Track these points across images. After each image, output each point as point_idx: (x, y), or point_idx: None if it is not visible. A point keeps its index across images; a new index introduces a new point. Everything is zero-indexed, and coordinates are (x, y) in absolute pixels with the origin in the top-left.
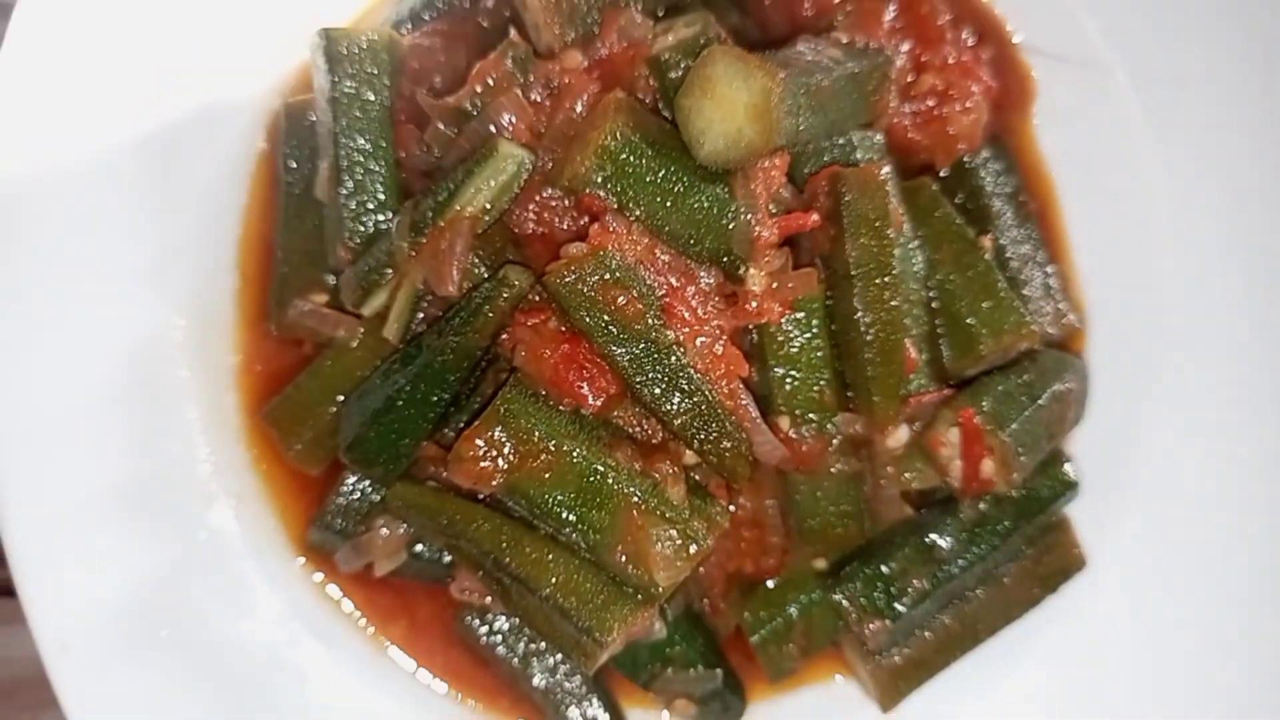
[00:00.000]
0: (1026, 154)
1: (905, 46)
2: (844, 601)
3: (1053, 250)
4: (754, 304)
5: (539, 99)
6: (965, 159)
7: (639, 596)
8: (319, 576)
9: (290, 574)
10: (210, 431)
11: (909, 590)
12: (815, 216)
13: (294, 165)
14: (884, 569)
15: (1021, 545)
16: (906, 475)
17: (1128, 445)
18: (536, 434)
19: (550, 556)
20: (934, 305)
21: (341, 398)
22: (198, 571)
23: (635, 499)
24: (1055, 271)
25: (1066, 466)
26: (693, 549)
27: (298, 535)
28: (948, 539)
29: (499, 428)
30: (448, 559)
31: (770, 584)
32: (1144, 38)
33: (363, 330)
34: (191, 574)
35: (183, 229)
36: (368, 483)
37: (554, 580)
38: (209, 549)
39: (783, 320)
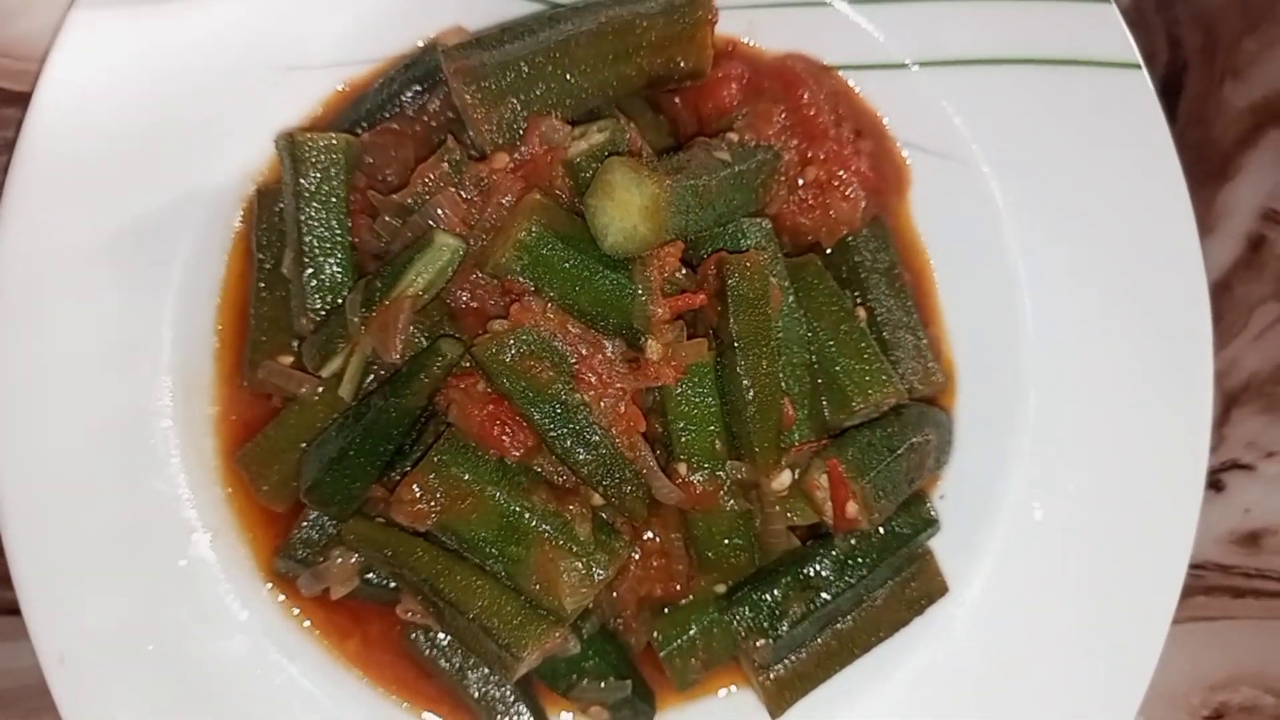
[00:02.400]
0: (903, 232)
1: (794, 143)
2: (735, 623)
3: (925, 315)
4: (653, 369)
5: (471, 196)
6: (847, 238)
7: (551, 618)
8: (284, 599)
9: (259, 597)
10: (191, 472)
11: (790, 613)
12: (702, 296)
13: (265, 244)
14: (768, 595)
15: (889, 574)
16: (789, 513)
17: (988, 485)
18: (465, 479)
19: (477, 584)
20: (816, 366)
21: (304, 445)
22: (179, 594)
23: (547, 535)
24: (925, 335)
25: (927, 506)
26: (596, 577)
27: (266, 563)
28: (823, 569)
29: (433, 474)
30: (394, 584)
31: (677, 606)
32: (1004, 134)
33: (321, 389)
34: (174, 596)
35: (169, 298)
36: (325, 519)
37: (480, 604)
38: (189, 575)
39: (678, 383)
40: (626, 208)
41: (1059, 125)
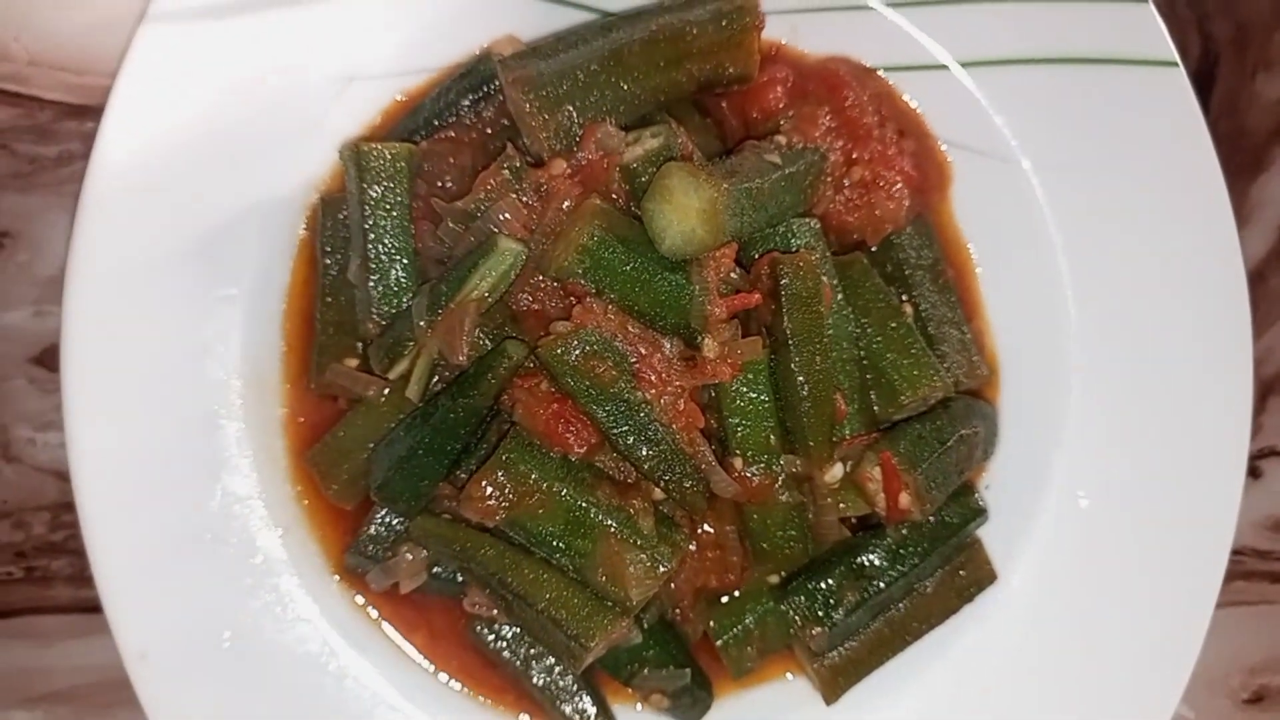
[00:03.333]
0: (946, 229)
1: (838, 144)
2: (790, 611)
3: (968, 310)
4: (710, 367)
5: (531, 201)
6: (892, 236)
7: (617, 609)
8: (354, 593)
9: (329, 592)
10: (263, 472)
11: (844, 602)
12: (758, 296)
13: (329, 250)
14: (823, 584)
15: (939, 563)
16: (842, 505)
17: (1033, 474)
18: (532, 477)
19: (544, 577)
20: (864, 362)
21: (371, 445)
22: (253, 589)
23: (612, 529)
24: (969, 329)
25: (975, 496)
26: (660, 569)
27: (336, 559)
28: (875, 558)
29: (501, 472)
30: (460, 578)
31: (732, 597)
32: (1045, 131)
33: (388, 390)
34: (248, 591)
35: (238, 305)
36: (394, 516)
37: (548, 596)
38: (262, 571)
39: (734, 380)
40: (684, 211)
41: (1097, 122)
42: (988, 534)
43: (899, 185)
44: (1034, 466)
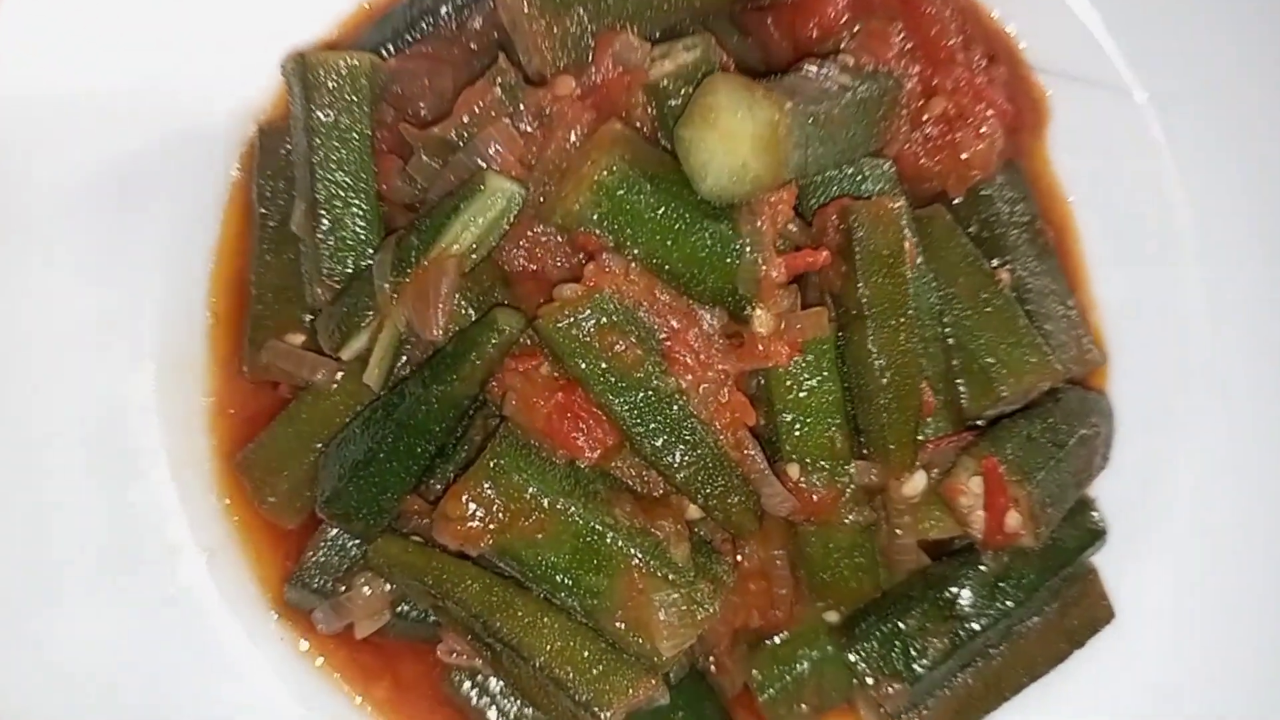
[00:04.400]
0: (1042, 179)
1: (914, 69)
2: (859, 661)
3: (1071, 281)
4: (761, 346)
5: (530, 129)
6: (980, 186)
7: (641, 666)
8: (298, 636)
9: (267, 633)
10: (180, 479)
11: (928, 649)
12: (825, 253)
13: (269, 195)
14: (901, 626)
15: (1047, 598)
16: (925, 525)
17: (1153, 486)
18: (528, 490)
19: (544, 621)
20: (950, 343)
21: (320, 446)
22: (167, 632)
23: (635, 560)
24: (1075, 304)
25: (1094, 514)
26: (699, 614)
27: (275, 592)
28: (969, 593)
29: (487, 483)
30: (434, 619)
31: (779, 639)
32: (1165, 54)
33: (342, 374)
34: (161, 634)
35: (150, 264)
36: (348, 538)
37: (548, 648)
38: (180, 606)
39: (791, 363)
40: (734, 139)
41: (1230, 46)
42: (1099, 560)
43: (989, 121)
44: (1153, 474)
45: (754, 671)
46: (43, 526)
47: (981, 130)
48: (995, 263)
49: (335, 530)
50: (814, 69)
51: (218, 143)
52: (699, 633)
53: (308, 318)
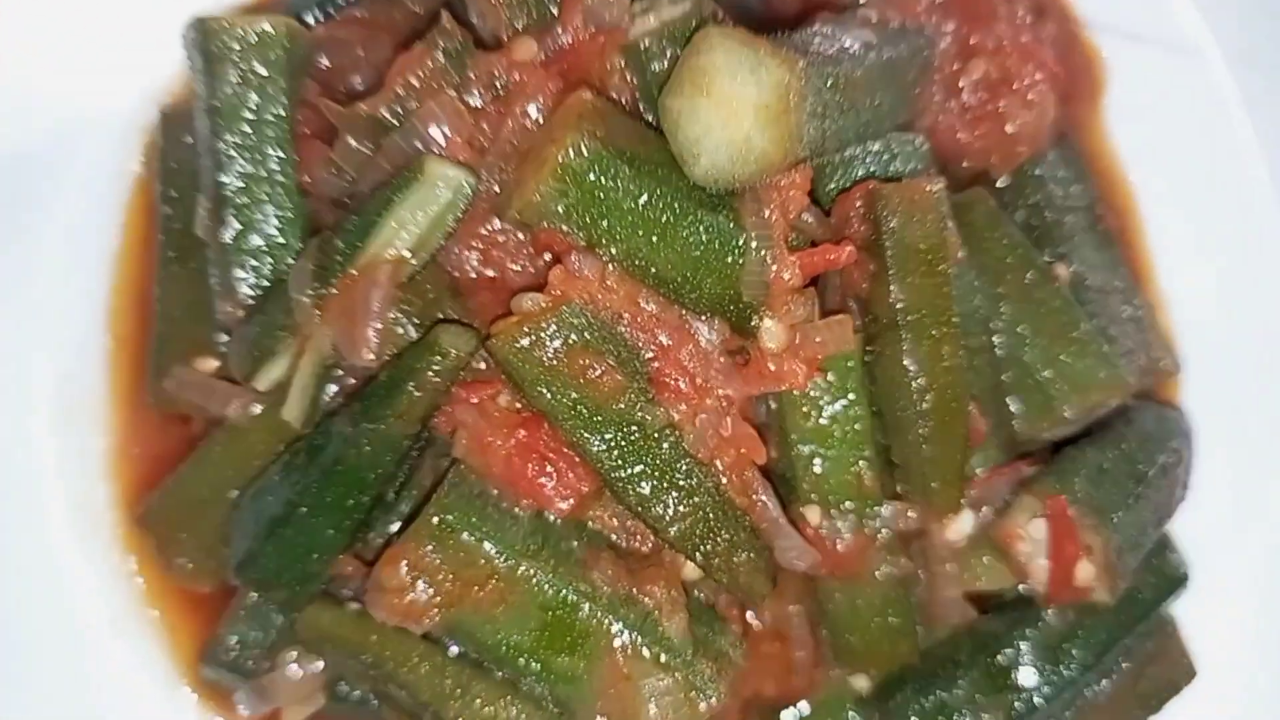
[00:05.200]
0: (1099, 156)
1: (949, 26)
2: None
3: (1135, 275)
4: (771, 366)
5: (481, 103)
6: (1027, 165)
7: None
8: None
9: (186, 716)
10: (78, 533)
11: None
12: (849, 249)
13: (175, 195)
14: (945, 697)
15: (1119, 658)
16: (971, 575)
17: (1234, 518)
18: (483, 551)
19: (509, 711)
20: (999, 354)
21: (235, 494)
22: (68, 713)
23: (619, 638)
24: (1143, 303)
25: (1173, 555)
26: (699, 704)
27: (192, 667)
28: (1028, 657)
29: (431, 545)
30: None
31: (797, 711)
32: (1240, 9)
33: (259, 408)
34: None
35: (40, 279)
36: (271, 606)
37: None
38: (80, 685)
39: (809, 385)
40: (734, 109)
41: None
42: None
43: (1039, 87)
44: (1232, 502)
45: None
46: None
47: (1029, 98)
48: (1048, 256)
49: (256, 597)
50: (829, 25)
51: (116, 132)
52: None
53: (221, 340)
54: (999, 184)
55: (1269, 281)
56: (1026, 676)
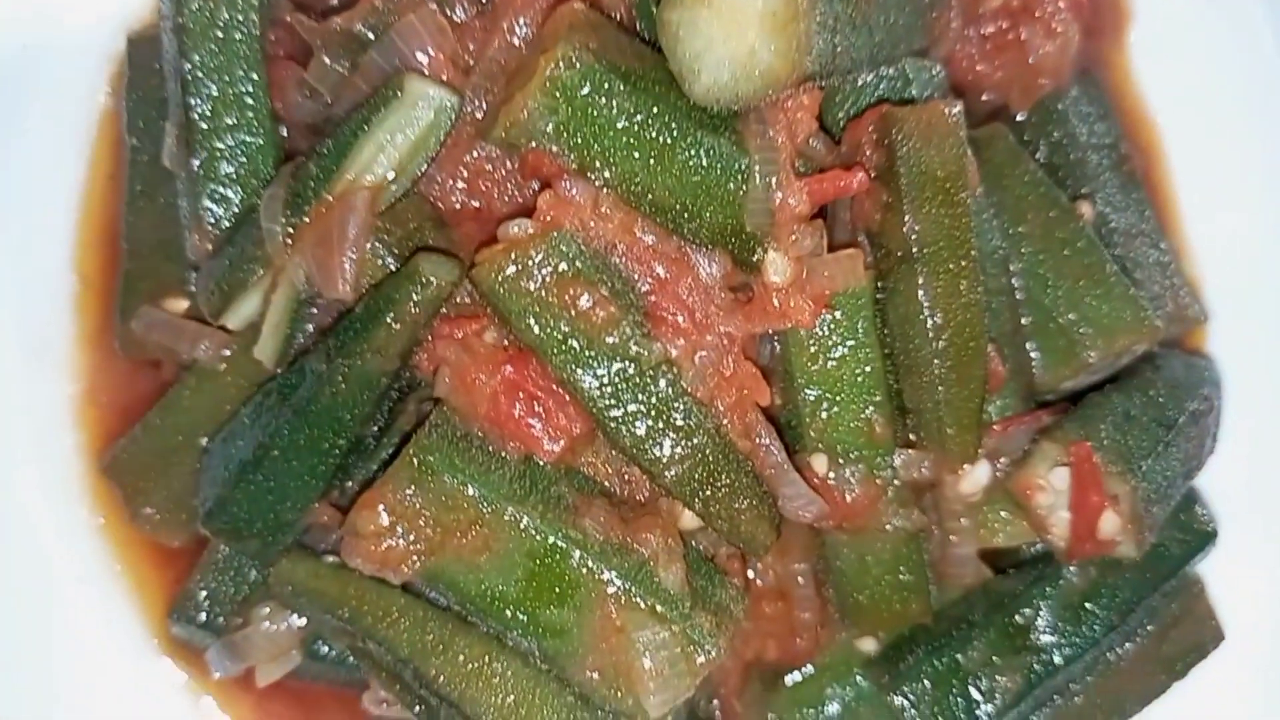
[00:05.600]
0: (1125, 93)
1: None
2: (906, 706)
3: (1161, 218)
4: (776, 302)
5: (465, 18)
6: (1050, 99)
7: None
8: (188, 678)
9: (154, 675)
10: (44, 485)
11: (995, 691)
12: (860, 176)
13: (143, 125)
14: (959, 660)
15: (1143, 619)
16: (987, 530)
17: (1263, 473)
18: (466, 495)
19: (493, 668)
20: (1019, 297)
21: (204, 441)
22: (34, 673)
23: (612, 587)
24: (1170, 248)
25: (1201, 510)
26: (697, 659)
27: (161, 625)
28: (1046, 617)
29: (411, 488)
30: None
31: (802, 675)
32: None
33: (230, 349)
34: (30, 678)
35: (5, 218)
36: (243, 558)
37: (497, 702)
38: (46, 644)
39: (816, 323)
40: (737, 18)
41: None
42: (1204, 568)
43: (1062, 18)
44: (1261, 456)
45: (770, 716)
46: None
47: (1053, 27)
48: (1071, 195)
49: (227, 549)
50: None
51: (81, 59)
52: (698, 682)
53: (191, 277)
54: (1019, 119)
55: None
56: (1046, 637)
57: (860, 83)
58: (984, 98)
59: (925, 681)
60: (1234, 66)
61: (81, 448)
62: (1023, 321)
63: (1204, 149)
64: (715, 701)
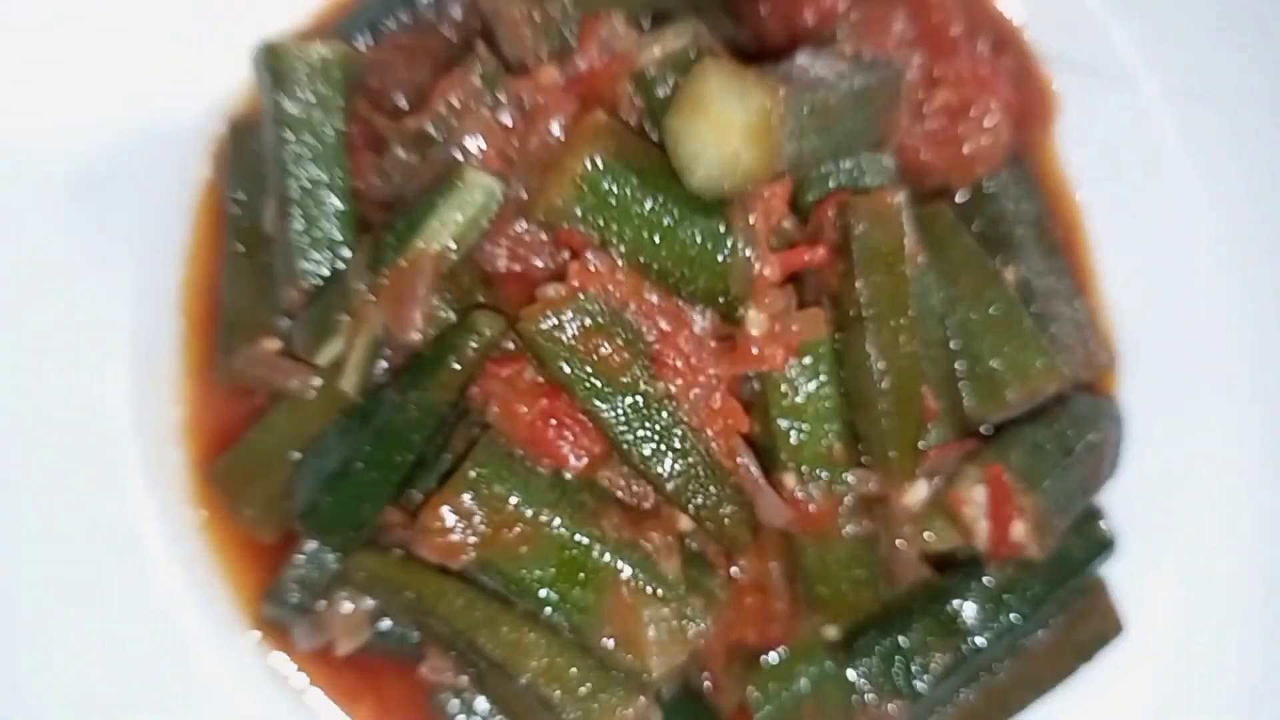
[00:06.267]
0: (1049, 175)
1: (916, 59)
2: (859, 678)
3: (1079, 281)
4: (755, 349)
5: (511, 121)
6: (984, 182)
7: (630, 684)
8: (277, 654)
9: (245, 651)
10: (155, 491)
11: (930, 665)
12: (822, 250)
13: (241, 196)
14: (902, 641)
15: (1053, 611)
16: (926, 535)
17: (1164, 494)
18: (511, 501)
19: (530, 638)
20: (953, 346)
21: (297, 456)
22: (142, 649)
23: (624, 574)
24: (1083, 305)
25: (1101, 524)
26: (690, 630)
27: (253, 608)
28: (972, 607)
29: (468, 494)
30: (418, 636)
31: (776, 656)
32: (1177, 46)
33: (318, 381)
34: (135, 652)
35: (120, 269)
36: (326, 552)
37: (534, 665)
38: (154, 623)
39: (787, 367)
40: (725, 128)
41: (1246, 38)
42: (1107, 571)
43: (994, 114)
44: (1164, 482)
45: (750, 689)
46: (14, 544)
47: (986, 123)
48: (1000, 262)
49: (313, 544)
50: (810, 58)
51: (188, 141)
52: (690, 650)
53: (283, 322)
54: (958, 198)
55: (1194, 289)
56: (971, 624)
57: (824, 172)
58: (928, 181)
59: (874, 659)
60: (1141, 153)
61: (187, 461)
62: (956, 366)
63: (1118, 221)
64: (705, 676)
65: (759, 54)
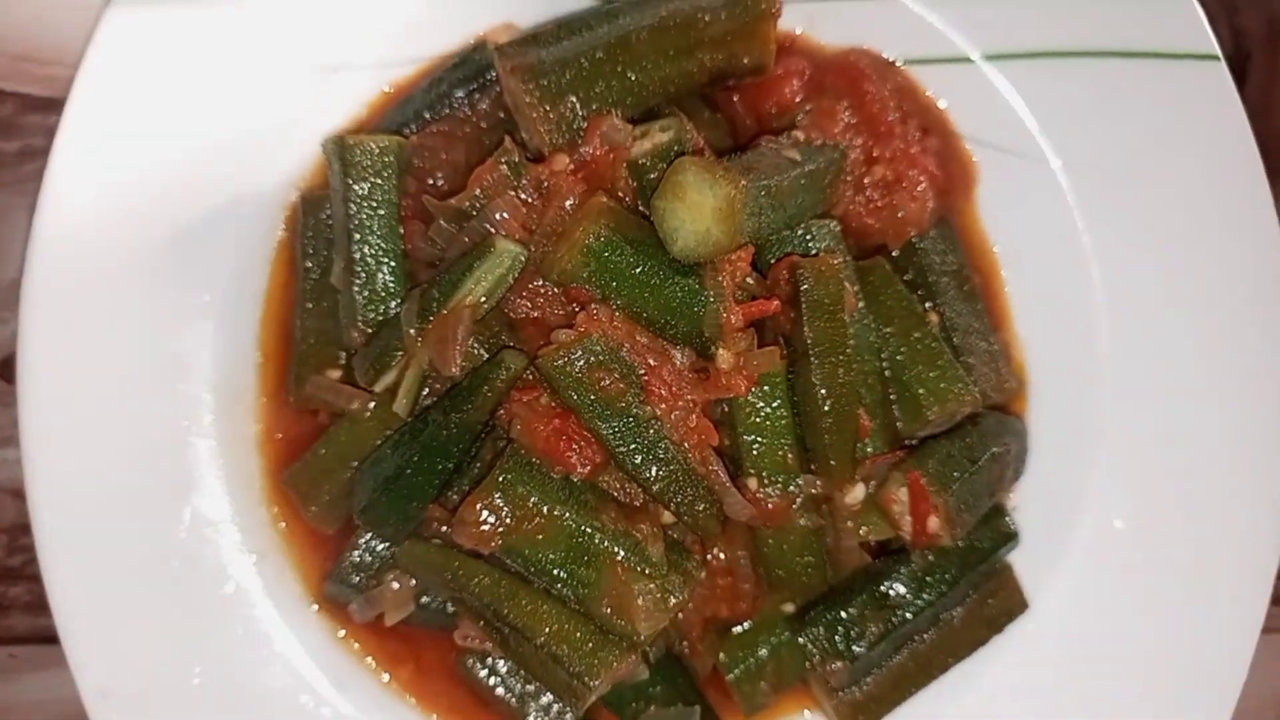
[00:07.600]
0: (970, 233)
1: (858, 141)
2: (808, 644)
3: (995, 320)
4: (723, 380)
5: (530, 199)
6: (914, 240)
7: (623, 644)
8: (335, 626)
9: (308, 623)
10: (236, 493)
11: (866, 633)
12: (776, 303)
13: (310, 252)
14: (843, 614)
15: (968, 591)
16: (863, 529)
17: (1066, 496)
18: (531, 499)
19: (544, 608)
20: (886, 374)
21: (355, 464)
22: (224, 621)
23: (619, 557)
24: (996, 340)
25: (1006, 519)
26: (671, 601)
27: (315, 588)
28: (900, 586)
29: (498, 494)
30: (452, 609)
31: (743, 627)
32: (1074, 129)
33: (374, 404)
34: (219, 623)
35: (211, 312)
36: (379, 541)
37: (547, 630)
38: (234, 601)
39: (749, 393)
40: (699, 210)
41: (1132, 119)
42: (1017, 559)
43: (922, 185)
44: (1066, 487)
45: (722, 655)
46: (119, 534)
47: (916, 193)
48: (927, 305)
49: (368, 535)
50: (769, 146)
51: (266, 207)
52: (671, 616)
53: (343, 356)
54: (893, 253)
55: (1090, 327)
56: (899, 600)
57: (780, 238)
58: (869, 240)
59: (821, 628)
60: (1047, 214)
61: (262, 469)
62: (889, 391)
63: (1027, 270)
64: (684, 643)
65: (732, 138)
